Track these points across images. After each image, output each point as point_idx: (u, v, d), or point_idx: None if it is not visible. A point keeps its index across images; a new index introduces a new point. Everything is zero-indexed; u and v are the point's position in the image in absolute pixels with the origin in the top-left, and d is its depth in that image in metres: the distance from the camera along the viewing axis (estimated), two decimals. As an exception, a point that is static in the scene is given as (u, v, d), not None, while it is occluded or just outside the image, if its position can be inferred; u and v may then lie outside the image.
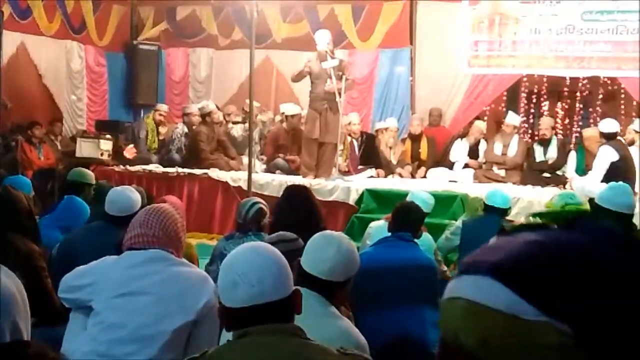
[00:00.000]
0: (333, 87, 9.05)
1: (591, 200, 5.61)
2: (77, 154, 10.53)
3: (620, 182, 4.53)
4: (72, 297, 3.18)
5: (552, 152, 9.93)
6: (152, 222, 3.12)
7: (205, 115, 10.80)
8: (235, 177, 9.82)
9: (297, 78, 9.63)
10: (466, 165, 10.36)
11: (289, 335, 2.08)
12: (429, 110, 11.46)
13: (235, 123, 11.58)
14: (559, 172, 9.79)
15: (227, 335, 2.67)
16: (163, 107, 11.93)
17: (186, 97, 13.38)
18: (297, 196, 4.63)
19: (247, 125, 9.60)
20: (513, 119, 10.39)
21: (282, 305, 2.11)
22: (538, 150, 10.03)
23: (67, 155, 10.95)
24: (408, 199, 6.16)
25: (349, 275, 2.89)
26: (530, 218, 1.06)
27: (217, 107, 11.42)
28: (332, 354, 2.08)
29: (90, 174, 6.43)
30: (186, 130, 11.15)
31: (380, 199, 8.81)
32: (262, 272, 2.11)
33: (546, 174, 9.79)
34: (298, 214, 4.32)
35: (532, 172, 10.02)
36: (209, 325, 3.03)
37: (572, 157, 9.85)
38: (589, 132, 9.71)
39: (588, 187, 7.93)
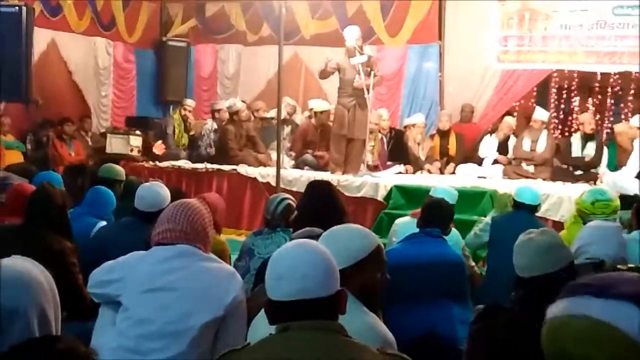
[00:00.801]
0: (362, 83, 9.03)
1: (622, 197, 5.53)
2: (107, 150, 10.63)
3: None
4: (101, 292, 3.19)
5: (590, 149, 9.68)
6: (180, 217, 3.13)
7: (233, 114, 10.84)
8: (264, 173, 9.84)
9: (324, 75, 9.61)
10: (495, 162, 10.28)
11: (330, 332, 2.07)
12: (461, 107, 11.35)
13: (262, 119, 11.56)
14: (593, 170, 9.59)
15: (254, 331, 2.67)
16: (189, 102, 11.99)
17: (215, 93, 13.43)
18: (318, 191, 4.59)
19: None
20: (541, 114, 10.26)
21: (326, 302, 2.10)
22: (575, 144, 9.82)
23: (97, 151, 11.05)
24: (431, 193, 6.15)
25: (346, 261, 2.67)
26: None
27: (245, 102, 11.43)
28: (372, 352, 2.08)
29: (120, 170, 6.47)
30: (215, 126, 11.19)
31: (408, 195, 8.78)
32: (308, 268, 2.10)
33: (579, 171, 9.64)
34: (318, 209, 4.29)
35: (564, 167, 9.90)
36: (237, 320, 3.04)
37: (604, 152, 9.72)
38: (621, 127, 9.60)
39: (620, 182, 7.84)
